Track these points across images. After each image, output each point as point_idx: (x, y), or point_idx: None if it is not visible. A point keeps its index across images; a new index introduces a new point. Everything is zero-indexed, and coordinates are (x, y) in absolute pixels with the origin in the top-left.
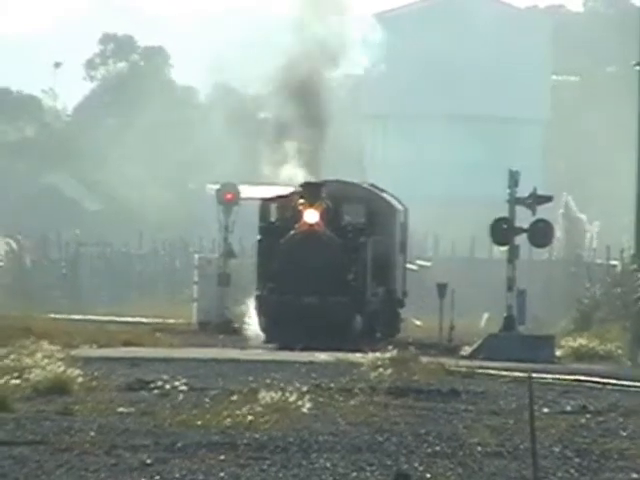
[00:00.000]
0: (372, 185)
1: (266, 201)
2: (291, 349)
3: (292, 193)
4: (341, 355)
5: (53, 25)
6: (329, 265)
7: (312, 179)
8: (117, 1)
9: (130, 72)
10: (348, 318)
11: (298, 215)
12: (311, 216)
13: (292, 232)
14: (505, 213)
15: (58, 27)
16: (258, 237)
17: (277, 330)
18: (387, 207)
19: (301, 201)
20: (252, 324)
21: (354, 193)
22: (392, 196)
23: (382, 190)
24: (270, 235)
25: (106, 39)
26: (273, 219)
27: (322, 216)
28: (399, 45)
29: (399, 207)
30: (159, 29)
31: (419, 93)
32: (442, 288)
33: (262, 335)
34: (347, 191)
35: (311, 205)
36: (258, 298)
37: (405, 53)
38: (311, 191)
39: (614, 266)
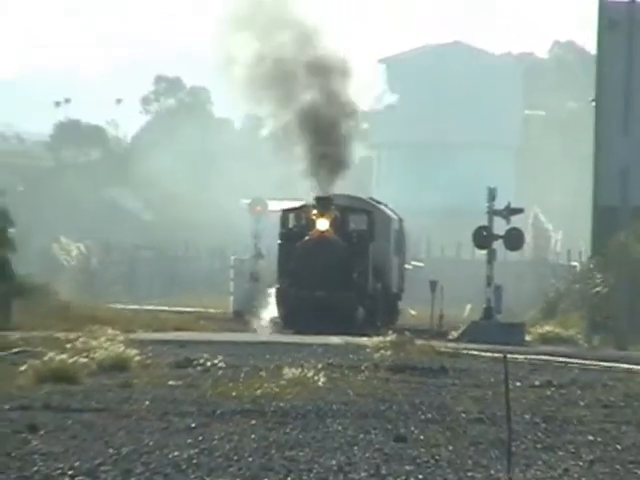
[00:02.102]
0: (371, 199)
1: (286, 211)
2: (305, 334)
3: (307, 205)
4: (350, 339)
5: (117, 67)
6: (337, 265)
7: (324, 194)
8: (168, 46)
9: (178, 107)
10: (352, 309)
11: (312, 223)
12: (322, 224)
13: (307, 237)
14: (485, 222)
15: (121, 69)
16: (279, 241)
17: (294, 318)
18: (384, 217)
19: (314, 212)
20: (267, 314)
21: (358, 205)
22: (388, 208)
23: (379, 203)
24: (289, 240)
25: (159, 80)
26: (291, 226)
27: (331, 224)
28: (399, 86)
29: (394, 217)
30: (202, 71)
31: (419, 125)
32: (433, 284)
33: (278, 322)
34: (352, 203)
35: (322, 215)
36: (278, 291)
37: (406, 94)
38: (323, 203)
39: (574, 266)
